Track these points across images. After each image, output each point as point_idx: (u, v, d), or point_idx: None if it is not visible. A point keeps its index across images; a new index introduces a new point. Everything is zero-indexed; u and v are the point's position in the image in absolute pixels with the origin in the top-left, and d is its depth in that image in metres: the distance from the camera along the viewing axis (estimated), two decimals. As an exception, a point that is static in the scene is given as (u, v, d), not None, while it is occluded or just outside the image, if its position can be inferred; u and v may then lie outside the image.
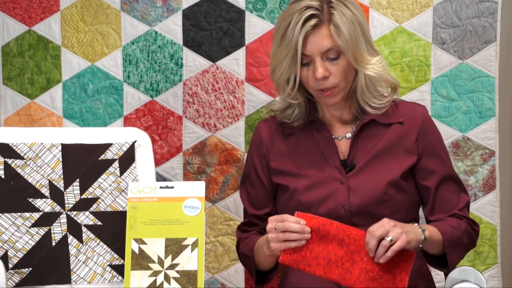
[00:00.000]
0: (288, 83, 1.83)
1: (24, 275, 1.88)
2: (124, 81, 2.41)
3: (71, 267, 1.89)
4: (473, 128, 2.37)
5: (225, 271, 2.41)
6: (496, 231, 2.37)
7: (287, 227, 1.64)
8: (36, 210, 1.91)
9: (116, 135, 2.03)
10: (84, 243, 1.91)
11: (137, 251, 1.76)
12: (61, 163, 1.96)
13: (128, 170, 1.98)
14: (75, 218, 1.92)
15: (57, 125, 2.41)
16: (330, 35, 1.76)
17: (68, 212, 1.93)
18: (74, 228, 1.91)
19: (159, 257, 1.75)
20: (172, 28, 2.39)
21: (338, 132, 1.88)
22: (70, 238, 1.91)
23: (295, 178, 1.85)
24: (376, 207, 1.79)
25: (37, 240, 1.89)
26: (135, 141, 2.02)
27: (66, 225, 1.91)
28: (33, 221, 1.90)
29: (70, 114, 2.41)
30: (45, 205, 1.92)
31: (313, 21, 1.75)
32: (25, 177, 1.93)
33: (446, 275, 1.81)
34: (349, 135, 1.86)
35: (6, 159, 1.94)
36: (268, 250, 1.69)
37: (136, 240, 1.77)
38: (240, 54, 2.38)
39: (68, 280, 1.89)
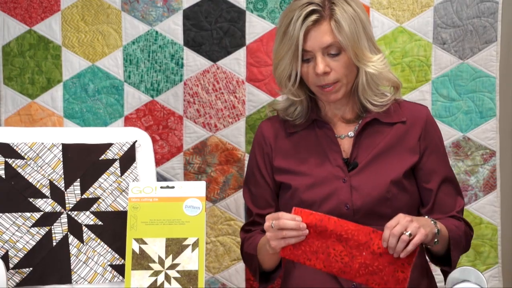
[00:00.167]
0: (290, 79, 1.84)
1: (25, 275, 1.88)
2: (124, 81, 2.41)
3: (72, 267, 1.89)
4: (474, 128, 2.37)
5: (225, 271, 2.41)
6: (497, 231, 2.37)
7: (282, 225, 1.64)
8: (37, 210, 1.91)
9: (116, 135, 2.03)
10: (84, 243, 1.91)
11: (137, 251, 1.76)
12: (61, 163, 1.96)
13: (128, 170, 1.98)
14: (75, 218, 1.92)
15: (58, 125, 2.41)
16: (331, 30, 1.77)
17: (69, 212, 1.93)
18: (75, 228, 1.91)
19: (159, 257, 1.75)
20: (173, 28, 2.39)
21: (340, 131, 1.88)
22: (71, 238, 1.91)
23: (298, 177, 1.85)
24: (378, 205, 1.79)
25: (38, 240, 1.89)
26: (136, 141, 2.02)
27: (66, 225, 1.91)
28: (33, 221, 1.90)
29: (71, 114, 2.41)
30: (46, 205, 1.92)
31: (314, 17, 1.76)
32: (25, 177, 1.93)
33: (445, 274, 1.82)
34: (351, 134, 1.86)
35: (6, 159, 1.94)
36: (270, 248, 1.70)
37: (137, 240, 1.77)
38: (240, 54, 2.38)
39: (68, 280, 1.89)
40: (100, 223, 1.92)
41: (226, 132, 2.40)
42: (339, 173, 1.82)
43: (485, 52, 2.35)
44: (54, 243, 1.90)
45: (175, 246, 1.76)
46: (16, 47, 2.41)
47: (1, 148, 1.95)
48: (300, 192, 1.83)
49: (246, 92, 2.40)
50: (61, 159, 1.96)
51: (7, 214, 1.90)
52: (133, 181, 1.97)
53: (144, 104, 2.41)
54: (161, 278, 1.74)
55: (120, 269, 1.90)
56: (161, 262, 1.75)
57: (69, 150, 1.97)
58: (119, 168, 1.97)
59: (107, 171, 1.97)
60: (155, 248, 1.76)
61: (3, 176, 1.92)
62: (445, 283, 1.70)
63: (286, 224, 1.63)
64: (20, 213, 1.90)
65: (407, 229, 1.60)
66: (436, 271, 1.98)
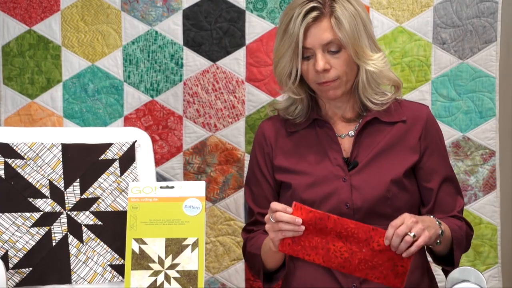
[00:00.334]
0: (290, 77, 1.84)
1: (25, 275, 1.88)
2: (124, 81, 2.41)
3: (72, 267, 1.89)
4: (474, 128, 2.37)
5: (225, 271, 2.41)
6: (497, 231, 2.37)
7: (277, 217, 1.65)
8: (37, 210, 1.91)
9: (116, 135, 2.03)
10: (84, 243, 1.91)
11: (137, 251, 1.76)
12: (61, 163, 1.96)
13: (128, 170, 1.98)
14: (75, 218, 1.92)
15: (58, 125, 2.41)
16: (331, 27, 1.77)
17: (69, 212, 1.93)
18: (75, 228, 1.91)
19: (159, 257, 1.75)
20: (173, 28, 2.39)
21: (341, 130, 1.88)
22: (71, 238, 1.91)
23: (298, 176, 1.85)
24: (378, 205, 1.79)
25: (38, 240, 1.89)
26: (136, 141, 2.02)
27: (66, 225, 1.91)
28: (33, 221, 1.90)
29: (71, 114, 2.41)
30: (46, 205, 1.92)
31: (314, 14, 1.77)
32: (25, 177, 1.93)
33: (446, 274, 1.81)
34: (352, 133, 1.86)
35: (6, 159, 1.94)
36: (272, 245, 1.70)
37: (137, 240, 1.77)
38: (240, 54, 2.38)
39: (68, 280, 1.89)
40: (99, 223, 1.92)
41: (226, 132, 2.40)
42: (339, 172, 1.82)
43: (484, 52, 2.35)
44: (54, 243, 1.90)
45: (174, 246, 1.75)
46: (15, 47, 2.41)
47: (0, 148, 1.95)
48: (300, 191, 1.83)
49: (246, 92, 2.40)
50: (61, 159, 1.96)
51: (6, 214, 1.90)
52: (133, 181, 1.97)
53: (144, 104, 2.41)
54: (160, 278, 1.74)
55: (119, 269, 1.90)
56: (161, 262, 1.75)
57: (68, 150, 1.97)
58: (118, 168, 1.97)
59: (107, 171, 1.96)
60: (155, 248, 1.76)
61: (3, 176, 1.92)
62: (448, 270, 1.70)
63: (281, 217, 1.65)
64: (19, 213, 1.90)
65: (412, 230, 1.60)
66: (436, 271, 1.98)
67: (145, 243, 1.76)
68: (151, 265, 1.75)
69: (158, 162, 2.39)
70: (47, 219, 1.91)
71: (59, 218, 1.92)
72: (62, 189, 1.94)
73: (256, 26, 2.38)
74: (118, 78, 2.41)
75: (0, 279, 1.75)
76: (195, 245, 1.76)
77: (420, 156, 1.84)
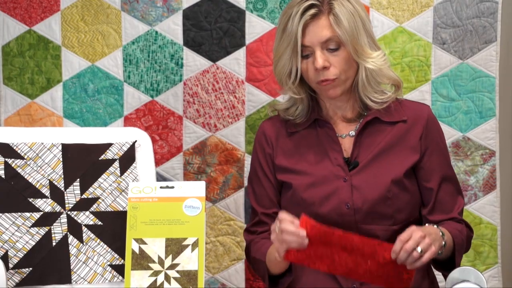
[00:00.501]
0: (290, 76, 1.83)
1: (25, 275, 1.88)
2: (124, 81, 2.41)
3: (72, 267, 1.89)
4: (474, 128, 2.37)
5: (225, 271, 2.41)
6: (497, 231, 2.37)
7: (282, 228, 1.65)
8: (37, 210, 1.91)
9: (116, 135, 2.03)
10: (84, 243, 1.91)
11: (137, 251, 1.76)
12: (61, 163, 1.96)
13: (128, 170, 1.98)
14: (75, 218, 1.92)
15: (58, 125, 2.41)
16: (329, 25, 1.77)
17: (69, 212, 1.93)
18: (75, 228, 1.91)
19: (159, 257, 1.75)
20: (173, 28, 2.39)
21: (342, 130, 1.88)
22: (71, 238, 1.91)
23: (298, 176, 1.85)
24: (379, 205, 1.79)
25: (38, 240, 1.89)
26: (136, 141, 2.02)
27: (66, 225, 1.91)
28: (33, 221, 1.90)
29: (71, 114, 2.41)
30: (46, 205, 1.92)
31: (312, 11, 1.77)
32: (25, 177, 1.93)
33: (445, 275, 1.81)
34: (352, 133, 1.86)
35: (6, 159, 1.94)
36: (278, 256, 1.70)
37: (137, 240, 1.77)
38: (240, 54, 2.38)
39: (68, 280, 1.89)
40: (99, 223, 1.92)
41: (226, 132, 2.40)
42: (339, 173, 1.82)
43: (484, 52, 2.35)
44: (54, 243, 1.90)
45: (174, 246, 1.75)
46: (15, 47, 2.41)
47: (0, 148, 1.95)
48: (300, 191, 1.83)
49: (246, 92, 2.40)
50: (61, 159, 1.96)
51: (6, 214, 1.90)
52: (133, 181, 1.97)
53: (144, 104, 2.41)
54: (160, 278, 1.74)
55: (119, 269, 1.90)
56: (161, 262, 1.75)
57: (68, 150, 1.97)
58: (118, 168, 1.97)
59: (107, 171, 1.96)
60: (155, 248, 1.76)
61: (3, 176, 1.92)
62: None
63: (286, 227, 1.64)
64: (19, 213, 1.90)
65: (419, 245, 1.61)
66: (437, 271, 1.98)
67: (145, 243, 1.76)
68: (151, 265, 1.75)
69: (158, 162, 2.39)
70: (47, 219, 1.91)
71: (59, 218, 1.92)
72: (62, 189, 1.94)
73: (256, 26, 2.38)
74: (118, 78, 2.41)
75: (0, 279, 1.75)
76: (195, 245, 1.76)
77: (420, 156, 1.84)
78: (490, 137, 2.36)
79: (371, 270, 1.63)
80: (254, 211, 1.94)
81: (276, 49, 1.85)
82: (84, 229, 1.92)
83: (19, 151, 1.96)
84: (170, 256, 1.75)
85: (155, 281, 1.73)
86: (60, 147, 1.98)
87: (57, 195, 1.93)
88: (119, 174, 1.97)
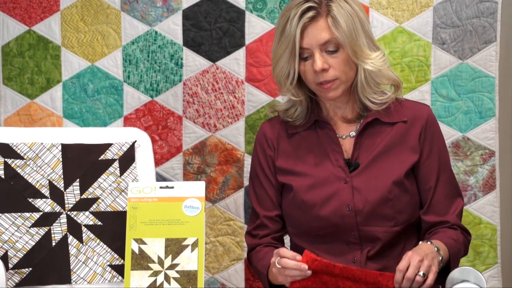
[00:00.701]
0: (288, 78, 1.83)
1: (24, 275, 1.88)
2: (124, 81, 2.41)
3: (71, 267, 1.89)
4: (473, 128, 2.37)
5: (225, 271, 2.41)
6: (496, 231, 2.37)
7: (283, 264, 1.65)
8: (36, 210, 1.91)
9: (116, 135, 2.03)
10: (84, 243, 1.91)
11: (137, 251, 1.76)
12: (61, 163, 1.96)
13: (128, 170, 1.98)
14: (75, 218, 1.92)
15: (57, 125, 2.41)
16: (328, 27, 1.77)
17: (68, 212, 1.93)
18: (74, 228, 1.91)
19: (159, 257, 1.75)
20: (172, 28, 2.39)
21: (342, 131, 1.87)
22: (70, 238, 1.91)
23: (299, 178, 1.85)
24: (380, 207, 1.78)
25: (37, 240, 1.89)
26: (135, 141, 2.02)
27: (66, 225, 1.91)
28: (33, 221, 1.90)
29: (70, 114, 2.41)
30: (45, 205, 1.92)
31: (310, 13, 1.76)
32: (25, 177, 1.93)
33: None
34: (353, 133, 1.86)
35: (6, 159, 1.94)
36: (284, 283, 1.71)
37: (136, 240, 1.77)
38: (240, 54, 2.38)
39: (68, 280, 1.89)
40: (99, 223, 1.92)
41: (226, 132, 2.40)
42: (340, 174, 1.82)
43: (484, 52, 2.35)
44: (54, 243, 1.90)
45: (174, 246, 1.75)
46: (15, 47, 2.41)
47: (0, 148, 1.95)
48: (301, 193, 1.83)
49: (246, 92, 2.40)
50: (61, 159, 1.96)
51: (6, 214, 1.90)
52: (133, 181, 1.97)
53: (144, 104, 2.41)
54: (160, 278, 1.74)
55: (119, 269, 1.90)
56: (161, 262, 1.75)
57: (68, 150, 1.97)
58: (118, 168, 1.97)
59: (107, 171, 1.96)
60: (155, 248, 1.76)
61: (3, 176, 1.92)
62: (443, 284, 1.70)
63: (286, 264, 1.65)
64: (19, 213, 1.90)
65: (420, 269, 1.61)
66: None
67: (144, 243, 1.76)
68: (150, 265, 1.75)
69: (157, 162, 2.39)
70: (47, 219, 1.91)
71: (58, 218, 1.92)
72: (62, 189, 1.94)
73: (255, 26, 2.38)
74: (118, 78, 2.41)
75: (0, 279, 1.75)
76: (194, 245, 1.76)
77: (419, 156, 1.83)
78: (490, 137, 2.36)
79: None
80: (256, 213, 1.93)
81: (274, 51, 1.85)
82: (84, 229, 1.92)
83: (18, 151, 1.96)
84: (170, 256, 1.75)
85: (155, 281, 1.73)
86: (59, 147, 1.98)
87: (57, 195, 1.93)
88: (119, 174, 1.97)
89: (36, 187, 1.93)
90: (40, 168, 1.95)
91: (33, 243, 1.89)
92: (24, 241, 1.89)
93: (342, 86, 1.81)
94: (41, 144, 1.97)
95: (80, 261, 1.90)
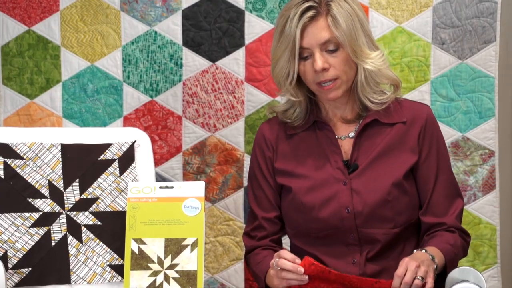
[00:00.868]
0: (288, 78, 1.83)
1: (24, 275, 1.88)
2: (123, 81, 2.41)
3: (71, 267, 1.89)
4: (473, 128, 2.37)
5: (224, 271, 2.41)
6: (496, 231, 2.37)
7: (280, 265, 1.66)
8: (36, 210, 1.91)
9: (115, 135, 2.03)
10: (83, 243, 1.91)
11: (136, 251, 1.76)
12: (60, 163, 1.96)
13: (127, 170, 1.98)
14: (74, 218, 1.92)
15: (57, 125, 2.41)
16: (327, 26, 1.77)
17: (68, 212, 1.93)
18: (74, 228, 1.91)
19: (158, 257, 1.75)
20: (172, 28, 2.39)
21: (341, 132, 1.87)
22: (70, 238, 1.91)
23: (298, 179, 1.84)
24: (379, 208, 1.78)
25: (37, 240, 1.89)
26: (135, 141, 2.02)
27: (65, 225, 1.91)
28: (32, 221, 1.90)
29: (70, 114, 2.41)
30: (45, 205, 1.92)
31: (310, 13, 1.76)
32: (24, 177, 1.93)
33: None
34: (352, 134, 1.85)
35: (5, 159, 1.94)
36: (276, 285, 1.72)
37: (136, 240, 1.77)
38: (239, 54, 2.38)
39: (67, 280, 1.89)
40: (99, 223, 1.92)
41: (225, 132, 2.40)
42: (339, 176, 1.82)
43: (484, 52, 2.35)
44: (53, 243, 1.90)
45: (174, 246, 1.75)
46: (15, 47, 2.41)
47: (0, 148, 1.95)
48: (300, 195, 1.82)
49: (245, 92, 2.39)
50: (60, 159, 1.96)
51: (6, 214, 1.90)
52: (132, 181, 1.97)
53: (143, 104, 2.41)
54: (160, 278, 1.74)
55: (119, 269, 1.90)
56: (160, 262, 1.75)
57: (68, 150, 1.97)
58: (118, 168, 1.97)
59: (106, 171, 1.96)
60: (154, 248, 1.76)
61: (2, 176, 1.92)
62: (443, 284, 1.70)
63: (284, 265, 1.65)
64: (19, 213, 1.90)
65: (417, 274, 1.61)
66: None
67: (144, 243, 1.76)
68: (150, 265, 1.75)
69: (157, 162, 2.39)
70: (47, 219, 1.91)
71: (58, 218, 1.92)
72: (62, 189, 1.94)
73: (255, 26, 2.38)
74: (118, 78, 2.41)
75: (-1, 279, 1.76)
76: (194, 245, 1.76)
77: (419, 157, 1.83)
78: (490, 137, 2.36)
79: None
80: (254, 215, 1.93)
81: (274, 51, 1.84)
82: (84, 229, 1.92)
83: (18, 151, 1.96)
84: (170, 256, 1.75)
85: (155, 281, 1.73)
86: (59, 147, 1.98)
87: (57, 195, 1.93)
88: (119, 174, 1.97)
89: (36, 187, 1.93)
90: (40, 168, 1.95)
91: (33, 243, 1.89)
92: (23, 241, 1.89)
93: (343, 86, 1.81)
94: (40, 144, 1.97)
95: (80, 261, 1.90)
